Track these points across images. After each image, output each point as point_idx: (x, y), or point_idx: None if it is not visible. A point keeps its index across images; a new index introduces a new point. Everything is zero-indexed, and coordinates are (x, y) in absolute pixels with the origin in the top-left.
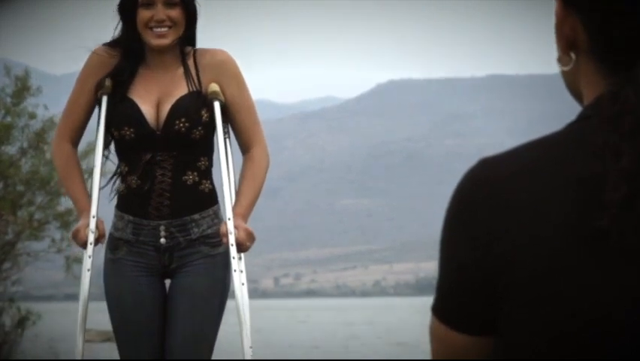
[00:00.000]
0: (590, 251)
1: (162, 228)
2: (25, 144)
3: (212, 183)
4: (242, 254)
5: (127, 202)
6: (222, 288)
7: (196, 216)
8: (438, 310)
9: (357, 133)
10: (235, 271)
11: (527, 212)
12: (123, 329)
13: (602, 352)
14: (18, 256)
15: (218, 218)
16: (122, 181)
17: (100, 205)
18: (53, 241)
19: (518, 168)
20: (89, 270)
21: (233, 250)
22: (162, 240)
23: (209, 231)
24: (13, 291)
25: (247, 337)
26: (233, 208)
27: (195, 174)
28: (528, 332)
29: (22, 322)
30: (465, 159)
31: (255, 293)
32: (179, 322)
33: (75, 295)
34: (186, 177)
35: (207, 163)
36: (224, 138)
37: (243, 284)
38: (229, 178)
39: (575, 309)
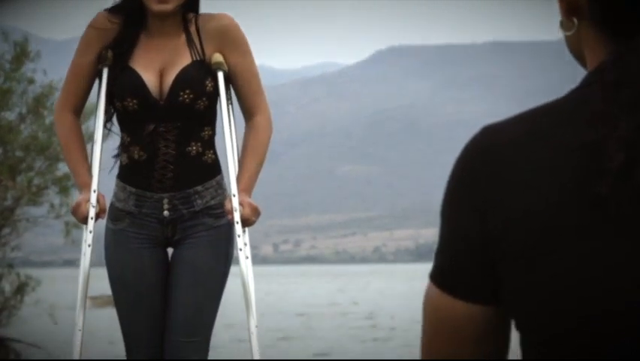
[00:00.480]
0: (588, 219)
1: (166, 200)
2: (24, 110)
3: (215, 153)
4: (246, 228)
5: (129, 173)
6: (225, 260)
7: (199, 187)
8: (436, 276)
9: (357, 99)
10: (241, 250)
11: (526, 179)
12: (124, 301)
13: (601, 320)
14: (17, 221)
15: (221, 188)
16: (124, 151)
17: (100, 176)
18: (52, 206)
19: (519, 136)
20: (89, 245)
21: (238, 228)
22: (165, 212)
23: (213, 202)
24: (12, 257)
25: (253, 317)
26: (238, 183)
27: (199, 144)
28: (528, 300)
29: (21, 288)
30: (465, 127)
31: (254, 260)
32: (180, 296)
33: (74, 260)
34: (190, 148)
35: (211, 132)
36: (227, 106)
37: (247, 258)
38: (233, 152)
39: (574, 277)
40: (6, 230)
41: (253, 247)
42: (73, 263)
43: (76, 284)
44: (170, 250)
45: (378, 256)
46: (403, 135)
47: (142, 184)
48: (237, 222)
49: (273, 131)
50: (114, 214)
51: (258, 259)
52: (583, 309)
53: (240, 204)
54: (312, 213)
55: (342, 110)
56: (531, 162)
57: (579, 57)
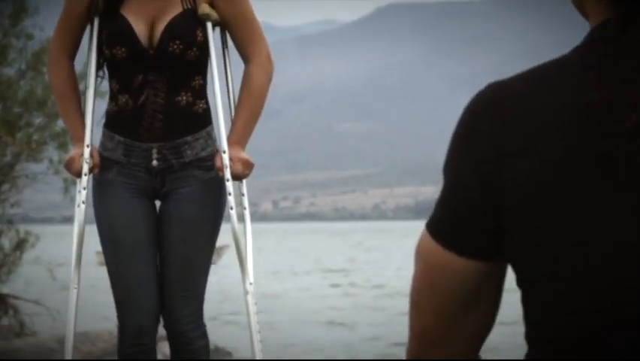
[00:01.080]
0: (595, 178)
1: (154, 150)
2: (23, 66)
3: (206, 103)
4: (244, 181)
5: (117, 122)
6: (215, 214)
7: (189, 138)
8: (433, 227)
9: (356, 56)
10: (232, 209)
11: (533, 136)
12: (112, 250)
13: (605, 277)
14: (16, 178)
15: (211, 139)
16: (113, 99)
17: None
18: (51, 162)
19: (526, 92)
20: (83, 202)
21: (229, 186)
22: (154, 162)
23: (203, 153)
24: (11, 213)
25: (248, 275)
26: (229, 136)
27: (189, 94)
28: (531, 257)
29: (20, 244)
30: (466, 84)
31: (254, 216)
32: (171, 253)
33: (74, 217)
34: (180, 98)
35: (202, 82)
36: (225, 56)
37: (245, 208)
38: (231, 105)
39: (578, 235)
40: (5, 186)
41: (253, 204)
42: (73, 220)
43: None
44: (158, 204)
45: (378, 214)
46: (402, 92)
47: (130, 133)
48: (228, 180)
49: (272, 89)
50: (102, 164)
51: (257, 216)
52: (586, 266)
53: (231, 159)
54: (311, 170)
55: (341, 68)
56: (538, 119)
57: (582, 10)
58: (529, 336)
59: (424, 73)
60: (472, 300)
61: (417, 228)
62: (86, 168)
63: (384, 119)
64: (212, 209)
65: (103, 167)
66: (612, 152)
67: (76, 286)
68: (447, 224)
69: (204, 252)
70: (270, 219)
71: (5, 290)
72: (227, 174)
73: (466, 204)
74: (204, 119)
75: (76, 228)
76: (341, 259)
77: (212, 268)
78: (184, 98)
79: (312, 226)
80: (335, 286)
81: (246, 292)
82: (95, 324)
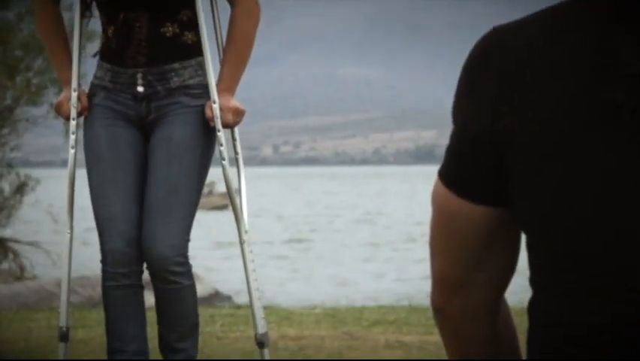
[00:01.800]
0: (601, 125)
1: (139, 75)
2: (22, 9)
3: (197, 36)
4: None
5: (106, 51)
6: (203, 141)
7: (176, 65)
8: (444, 174)
9: (357, 1)
10: (224, 160)
11: (538, 82)
12: (95, 173)
13: (609, 220)
14: (17, 121)
15: (202, 70)
16: (103, 32)
17: (83, 62)
18: (51, 105)
19: (531, 36)
20: (72, 147)
21: (221, 137)
22: (139, 88)
23: (191, 81)
24: (11, 157)
25: (244, 224)
26: (218, 83)
27: (175, 25)
28: (535, 202)
29: (21, 188)
30: (467, 29)
31: (254, 161)
32: (155, 173)
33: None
34: (165, 29)
35: (190, 15)
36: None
37: (237, 154)
38: (221, 48)
39: (583, 181)
40: (5, 130)
41: (253, 149)
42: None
43: (76, 184)
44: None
45: (378, 158)
46: (402, 37)
47: (116, 60)
48: (219, 131)
49: (271, 35)
50: (91, 91)
51: (257, 161)
52: (587, 210)
53: (220, 109)
54: (311, 115)
55: (341, 12)
56: (543, 64)
57: None
58: (533, 280)
59: (426, 17)
60: (489, 246)
61: (418, 172)
62: (74, 113)
63: (385, 64)
64: (200, 134)
65: (92, 93)
66: (617, 97)
67: (69, 231)
68: (456, 170)
69: (190, 176)
70: (270, 164)
71: (5, 234)
72: (219, 125)
73: (472, 149)
74: (194, 49)
75: (68, 173)
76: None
77: (213, 215)
78: (170, 29)
79: (312, 171)
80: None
81: (242, 242)
82: (96, 268)
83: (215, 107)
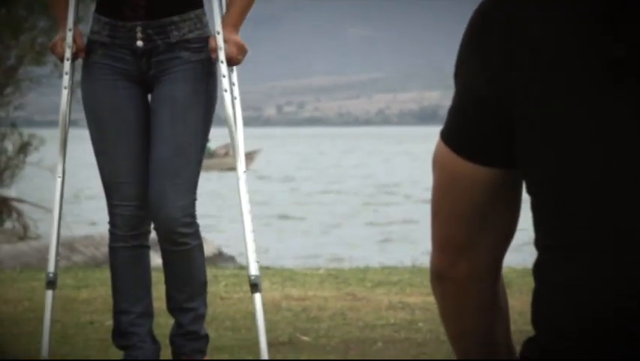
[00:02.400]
0: (605, 82)
1: (139, 29)
2: None
3: None
4: (234, 68)
5: (103, 3)
6: (206, 98)
7: (175, 18)
8: (446, 135)
9: None
10: (226, 91)
11: (543, 40)
12: (99, 136)
13: (611, 180)
14: (20, 81)
15: (201, 23)
16: None
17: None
18: (55, 65)
19: None
20: (65, 87)
21: (223, 68)
22: (139, 42)
23: (191, 35)
24: (15, 116)
25: (241, 162)
26: (224, 19)
27: None
28: (541, 159)
29: (24, 147)
30: None
31: (257, 121)
32: (159, 135)
33: (78, 120)
34: None
35: None
36: None
37: (235, 98)
38: None
39: (586, 138)
40: (9, 90)
41: (256, 109)
42: (77, 123)
43: (79, 144)
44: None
45: (382, 119)
46: None
47: (114, 13)
48: (222, 62)
49: None
50: (88, 47)
51: (261, 121)
52: (590, 170)
53: (225, 41)
54: (315, 75)
55: None
56: (545, 22)
57: None
58: (539, 242)
59: None
60: (492, 207)
61: (422, 133)
62: (68, 53)
63: (389, 24)
64: (202, 91)
65: (89, 50)
66: (619, 53)
67: (60, 175)
68: (458, 130)
69: (196, 135)
70: (273, 124)
71: (9, 193)
72: (222, 56)
73: (476, 109)
74: (192, 1)
75: (60, 114)
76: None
77: (215, 175)
78: None
79: (316, 131)
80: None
81: (238, 178)
82: (100, 227)
83: (219, 37)
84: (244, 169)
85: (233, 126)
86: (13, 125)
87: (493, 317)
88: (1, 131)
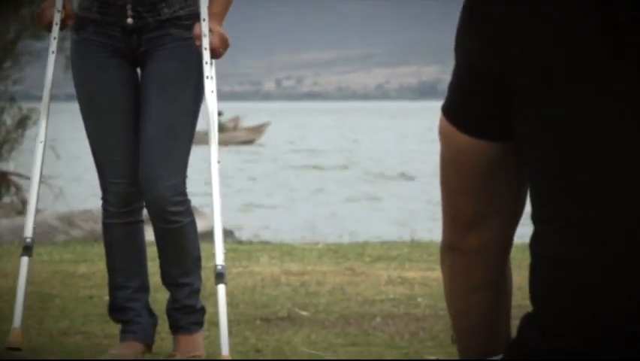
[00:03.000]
0: (605, 51)
1: (129, 6)
2: None
3: None
4: (213, 61)
5: None
6: (197, 76)
7: None
8: (447, 110)
9: None
10: (207, 77)
11: (540, 12)
12: (89, 113)
13: (607, 147)
14: (19, 55)
15: None
16: None
17: None
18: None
19: None
20: (53, 52)
21: (206, 55)
22: (129, 20)
23: (182, 12)
24: (14, 90)
25: (215, 149)
26: (209, 7)
27: None
28: (540, 138)
29: (23, 121)
30: None
31: (256, 96)
32: (151, 114)
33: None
34: None
35: None
36: None
37: (212, 92)
38: None
39: (583, 106)
40: (8, 63)
41: (255, 83)
42: (75, 98)
43: (77, 117)
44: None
45: (381, 93)
46: None
47: None
48: (205, 49)
49: None
50: (77, 24)
51: (260, 95)
52: (592, 143)
53: (210, 30)
54: (314, 50)
55: None
56: None
57: None
58: (535, 215)
59: None
60: (497, 181)
61: (421, 108)
62: (57, 18)
63: None
64: (193, 69)
65: (79, 26)
66: (619, 20)
67: (42, 140)
68: (459, 106)
69: (187, 114)
70: (272, 99)
71: (7, 168)
72: (205, 43)
73: (476, 85)
74: None
75: (46, 81)
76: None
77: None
78: None
79: (315, 106)
80: None
81: (213, 167)
82: (99, 201)
83: (205, 24)
84: (218, 160)
85: (210, 114)
86: (12, 99)
87: (498, 297)
88: (0, 105)
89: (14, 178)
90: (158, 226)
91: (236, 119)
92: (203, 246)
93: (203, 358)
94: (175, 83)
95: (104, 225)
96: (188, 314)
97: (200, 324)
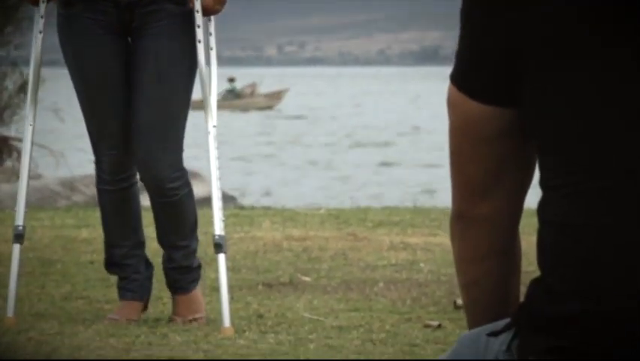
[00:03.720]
0: (616, 23)
1: None
2: None
3: None
4: (213, 24)
5: None
6: (191, 51)
7: None
8: (455, 77)
9: None
10: (200, 42)
11: None
12: (82, 89)
13: (624, 124)
14: (21, 20)
15: None
16: None
17: None
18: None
19: None
20: (40, 32)
21: (198, 18)
22: None
23: None
24: (15, 55)
25: (212, 117)
26: None
27: None
28: (549, 105)
29: (24, 86)
30: None
31: (258, 61)
32: (145, 94)
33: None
34: None
35: None
36: None
37: (211, 49)
38: None
39: (596, 78)
40: (9, 28)
41: (257, 48)
42: None
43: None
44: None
45: (384, 59)
46: None
47: None
48: (197, 11)
49: None
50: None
51: (262, 61)
52: (601, 111)
53: None
54: (315, 15)
55: None
56: None
57: None
58: (544, 182)
59: None
60: (507, 148)
61: (423, 73)
62: None
63: None
64: (187, 45)
65: (68, 2)
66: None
67: (31, 123)
68: (466, 72)
69: (181, 92)
70: (274, 64)
71: (9, 133)
72: (197, 5)
73: (482, 52)
74: None
75: (32, 60)
76: None
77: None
78: None
79: (316, 71)
80: None
81: (208, 133)
82: None
83: None
84: (214, 123)
85: (205, 78)
86: (14, 64)
87: (508, 265)
88: (2, 71)
89: (16, 143)
90: (156, 200)
91: (253, 85)
92: (205, 212)
93: (204, 320)
94: (169, 61)
95: (98, 190)
96: (185, 274)
97: (196, 281)
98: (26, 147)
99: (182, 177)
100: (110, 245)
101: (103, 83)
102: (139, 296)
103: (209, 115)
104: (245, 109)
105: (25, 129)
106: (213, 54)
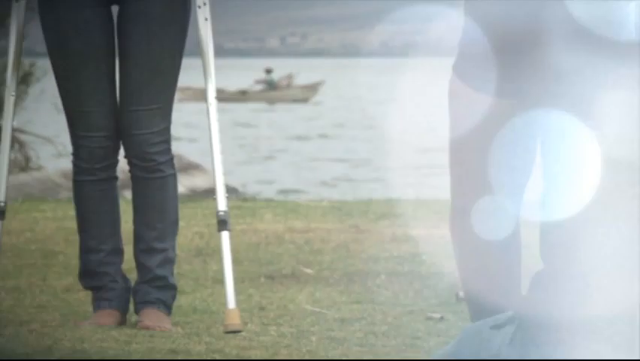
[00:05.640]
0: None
1: None
2: None
3: None
4: None
5: None
6: (184, 10)
7: None
8: (458, 67)
9: None
10: (199, 7)
11: None
12: (61, 61)
13: None
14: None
15: None
16: None
17: None
18: None
19: None
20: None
21: None
22: None
23: None
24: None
25: (212, 84)
26: None
27: None
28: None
29: (25, 78)
30: None
31: (260, 52)
32: (134, 54)
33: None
34: None
35: None
36: None
37: (206, 19)
38: None
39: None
40: (9, 20)
41: (259, 39)
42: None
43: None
44: (115, 10)
45: (386, 50)
46: None
47: None
48: None
49: None
50: None
51: (264, 52)
52: None
53: None
54: (318, 6)
55: None
56: None
57: None
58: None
59: None
60: (508, 139)
61: (426, 65)
62: None
63: None
64: (178, 5)
65: None
66: None
67: (13, 93)
68: (469, 64)
69: (172, 55)
70: (276, 55)
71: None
72: None
73: (486, 44)
74: None
75: (13, 30)
76: None
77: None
78: None
79: (320, 63)
80: None
81: (209, 104)
82: None
83: None
84: (214, 95)
85: (204, 46)
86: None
87: (510, 257)
88: (3, 61)
89: (17, 134)
90: (139, 176)
91: (289, 77)
92: (207, 202)
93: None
94: (159, 23)
95: (75, 182)
96: (159, 289)
97: (168, 308)
98: (7, 118)
99: (168, 153)
100: (85, 250)
101: (84, 52)
102: (116, 305)
103: (210, 82)
104: (278, 101)
105: (7, 99)
106: (209, 24)
